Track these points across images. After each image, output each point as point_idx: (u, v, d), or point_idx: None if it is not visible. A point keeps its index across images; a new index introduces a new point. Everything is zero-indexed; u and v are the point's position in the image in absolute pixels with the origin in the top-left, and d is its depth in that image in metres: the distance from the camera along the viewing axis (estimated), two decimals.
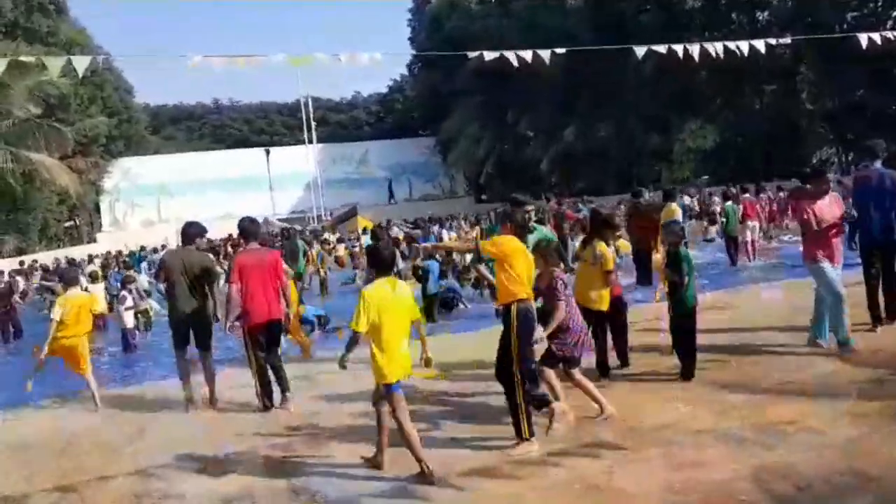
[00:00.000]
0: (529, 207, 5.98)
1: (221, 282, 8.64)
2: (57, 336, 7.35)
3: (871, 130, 30.67)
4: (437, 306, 11.59)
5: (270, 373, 6.85)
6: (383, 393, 4.72)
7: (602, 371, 6.56)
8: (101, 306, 7.38)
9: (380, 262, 4.98)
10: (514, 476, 4.52)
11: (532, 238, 5.78)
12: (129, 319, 11.49)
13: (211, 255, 9.38)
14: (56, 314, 7.39)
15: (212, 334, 7.33)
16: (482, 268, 5.82)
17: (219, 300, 7.41)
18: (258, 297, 6.72)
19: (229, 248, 20.15)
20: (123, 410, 7.32)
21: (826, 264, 6.61)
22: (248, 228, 7.16)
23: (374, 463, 4.87)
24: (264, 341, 6.83)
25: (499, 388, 5.65)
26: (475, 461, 4.82)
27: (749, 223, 14.35)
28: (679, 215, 11.32)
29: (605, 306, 6.36)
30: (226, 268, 10.48)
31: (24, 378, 7.82)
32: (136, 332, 11.86)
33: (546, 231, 7.13)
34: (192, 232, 7.39)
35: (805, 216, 6.70)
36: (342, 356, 4.80)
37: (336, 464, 5.10)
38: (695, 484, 4.09)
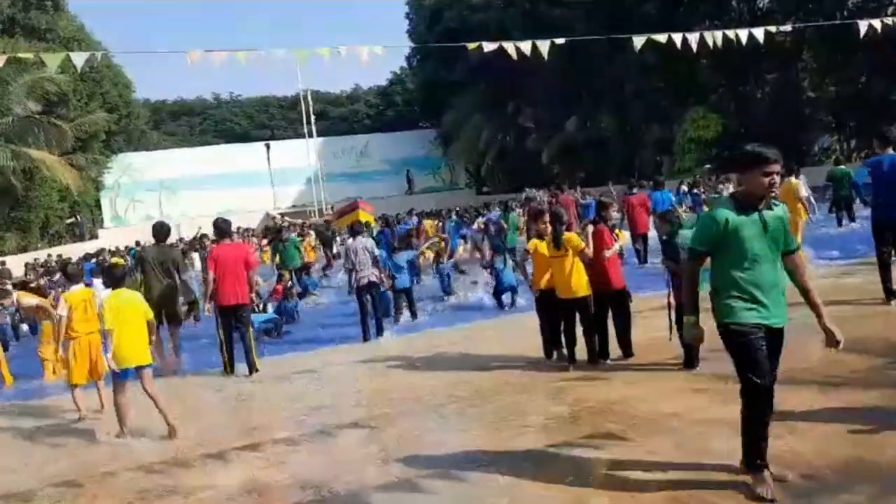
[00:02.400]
0: (776, 167, 3.72)
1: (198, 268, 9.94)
2: None
3: (873, 118, 30.62)
4: (410, 301, 11.07)
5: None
6: (115, 379, 6.11)
7: (601, 355, 6.75)
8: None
9: (110, 278, 6.58)
10: (517, 468, 4.51)
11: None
12: None
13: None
14: None
15: (180, 314, 9.22)
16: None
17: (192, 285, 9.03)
18: (228, 285, 8.17)
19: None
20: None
21: None
22: (222, 227, 8.68)
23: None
24: (233, 321, 8.24)
25: (499, 379, 5.63)
26: (477, 453, 4.81)
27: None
28: (803, 190, 11.26)
29: (586, 291, 6.66)
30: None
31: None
32: None
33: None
34: (165, 231, 9.16)
35: None
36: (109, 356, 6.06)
37: (342, 458, 5.10)
38: (702, 473, 4.08)
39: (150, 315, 6.39)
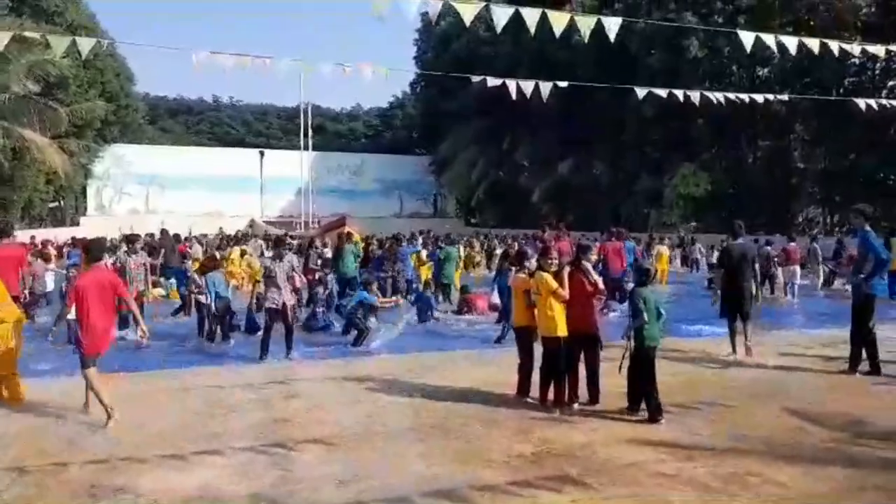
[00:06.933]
0: None
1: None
2: None
3: (859, 194, 31.19)
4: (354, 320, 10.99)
5: None
6: None
7: (569, 398, 6.76)
8: None
9: None
10: (475, 502, 4.49)
11: None
12: None
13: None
14: None
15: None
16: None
17: None
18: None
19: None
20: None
21: None
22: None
23: None
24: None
25: (467, 411, 5.60)
26: (437, 483, 4.79)
27: (790, 267, 16.09)
28: None
29: (560, 332, 6.68)
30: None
31: None
32: None
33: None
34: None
35: None
36: None
37: (300, 474, 5.05)
38: None
39: None
